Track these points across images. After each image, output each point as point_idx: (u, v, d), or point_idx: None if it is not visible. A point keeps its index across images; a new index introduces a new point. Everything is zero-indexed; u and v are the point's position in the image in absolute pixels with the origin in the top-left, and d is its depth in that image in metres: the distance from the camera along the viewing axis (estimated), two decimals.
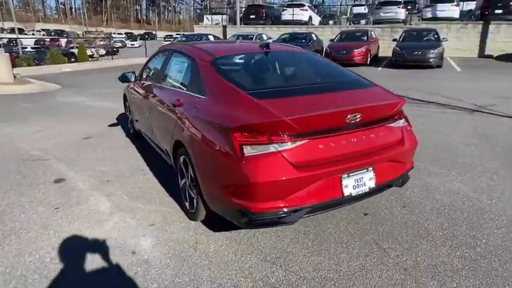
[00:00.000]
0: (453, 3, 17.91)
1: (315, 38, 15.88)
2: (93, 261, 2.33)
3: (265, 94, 2.30)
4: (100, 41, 29.63)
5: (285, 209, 2.09)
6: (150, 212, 2.98)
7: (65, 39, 32.36)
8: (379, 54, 16.59)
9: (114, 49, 25.80)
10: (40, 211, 3.01)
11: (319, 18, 24.46)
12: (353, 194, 2.24)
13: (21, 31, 44.96)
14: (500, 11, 16.40)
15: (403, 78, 10.84)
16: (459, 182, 3.44)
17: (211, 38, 18.50)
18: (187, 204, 2.84)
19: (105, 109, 7.14)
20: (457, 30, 17.12)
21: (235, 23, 23.43)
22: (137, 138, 4.93)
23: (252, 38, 16.64)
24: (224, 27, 23.19)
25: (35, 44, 25.36)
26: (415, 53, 12.39)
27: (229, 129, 2.10)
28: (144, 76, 4.24)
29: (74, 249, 2.47)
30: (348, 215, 2.85)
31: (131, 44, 43.90)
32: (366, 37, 14.58)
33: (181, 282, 2.13)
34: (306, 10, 21.44)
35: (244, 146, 2.04)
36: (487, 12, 16.81)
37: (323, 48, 16.13)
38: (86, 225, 2.77)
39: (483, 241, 2.49)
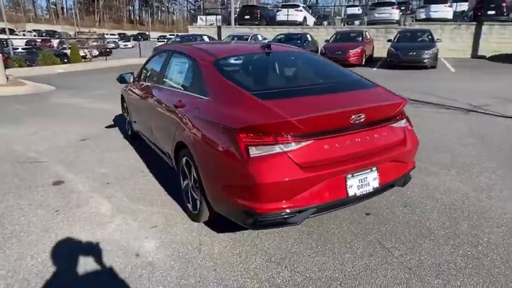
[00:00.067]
0: (446, 4, 18.11)
1: (310, 39, 15.94)
2: (96, 264, 2.31)
3: (270, 95, 2.30)
4: (93, 41, 29.39)
5: (291, 210, 2.09)
6: (152, 213, 2.96)
7: (57, 40, 32.03)
8: (374, 55, 16.70)
9: (107, 50, 25.62)
10: (40, 214, 2.98)
11: (313, 19, 24.55)
12: (357, 194, 2.25)
13: (11, 32, 44.41)
14: (492, 12, 16.65)
15: (398, 78, 10.92)
16: (458, 182, 3.48)
17: (206, 38, 18.47)
18: (189, 205, 2.83)
19: (101, 110, 7.08)
20: (451, 31, 17.33)
21: (229, 24, 23.42)
22: (135, 139, 4.90)
23: (247, 39, 16.64)
24: (219, 27, 23.17)
25: (26, 45, 25.05)
26: (410, 53, 12.51)
27: (234, 130, 2.09)
28: (142, 77, 4.22)
29: (76, 252, 2.44)
30: (350, 215, 2.86)
31: (124, 45, 43.63)
32: (360, 38, 14.68)
33: (187, 284, 2.12)
34: (301, 11, 21.52)
35: (249, 147, 2.04)
36: (479, 13, 17.04)
37: (318, 49, 16.20)
38: (87, 228, 2.75)
39: (484, 239, 2.52)
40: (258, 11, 22.22)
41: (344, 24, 23.68)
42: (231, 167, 2.15)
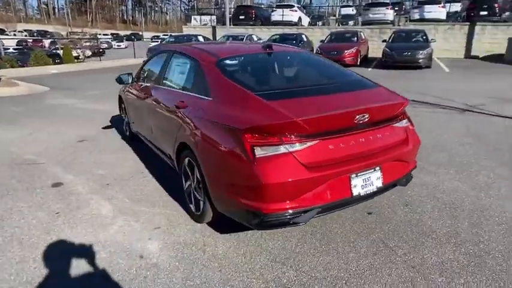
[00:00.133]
0: (440, 5, 18.31)
1: (305, 39, 15.99)
2: (99, 267, 2.29)
3: (274, 95, 2.30)
4: (85, 42, 29.09)
5: (296, 210, 2.10)
6: (153, 215, 2.95)
7: (49, 40, 31.62)
8: (369, 55, 16.82)
9: (101, 50, 25.40)
10: (40, 216, 2.94)
11: (308, 19, 24.63)
12: (361, 194, 2.27)
13: (2, 32, 43.79)
14: (485, 13, 16.86)
15: (393, 78, 11.00)
16: (457, 181, 3.51)
17: (200, 38, 18.43)
18: (192, 206, 2.82)
19: (97, 111, 7.02)
20: (444, 31, 17.52)
21: (223, 24, 23.39)
22: (133, 140, 4.87)
23: (242, 39, 16.65)
24: (213, 27, 23.14)
25: (17, 45, 24.71)
26: (405, 53, 12.61)
27: (239, 130, 2.09)
28: (141, 78, 4.19)
29: (79, 254, 2.42)
30: (352, 215, 2.88)
31: (117, 45, 43.28)
32: (355, 38, 14.77)
33: (193, 285, 2.11)
34: (296, 11, 21.57)
35: (255, 147, 2.05)
36: (472, 14, 17.26)
37: (313, 49, 16.25)
38: (89, 230, 2.73)
39: (485, 237, 2.55)
40: (253, 11, 22.23)
41: (338, 25, 23.80)
42: (236, 167, 2.15)
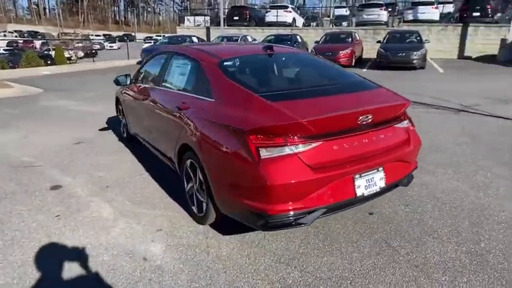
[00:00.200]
0: (433, 6, 18.52)
1: (300, 40, 16.05)
2: (103, 270, 2.27)
3: (277, 96, 2.31)
4: (77, 42, 28.80)
5: (301, 211, 2.11)
6: (155, 217, 2.93)
7: (40, 41, 31.24)
8: (363, 56, 16.93)
9: (93, 51, 25.17)
10: (40, 219, 2.91)
11: (302, 20, 24.71)
12: (365, 194, 2.28)
13: None
14: (477, 14, 17.09)
15: (388, 79, 11.08)
16: (456, 180, 3.56)
17: (195, 39, 18.41)
18: (194, 208, 2.81)
19: (92, 113, 6.97)
20: (438, 32, 17.72)
21: (217, 25, 23.36)
22: (131, 142, 4.84)
23: (237, 40, 16.65)
24: (207, 28, 23.10)
25: (7, 46, 24.42)
26: (399, 54, 12.72)
27: (244, 131, 2.09)
28: (140, 79, 4.17)
29: (81, 257, 2.40)
30: (354, 215, 2.89)
31: (110, 46, 42.91)
32: (350, 39, 14.85)
33: (198, 287, 2.11)
34: (290, 12, 21.64)
35: (260, 149, 2.05)
36: (465, 15, 17.48)
37: (308, 50, 16.31)
38: (91, 233, 2.70)
39: (486, 236, 2.58)
40: (247, 12, 22.25)
41: (332, 26, 23.93)
42: (240, 168, 2.15)
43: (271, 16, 21.53)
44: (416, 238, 2.57)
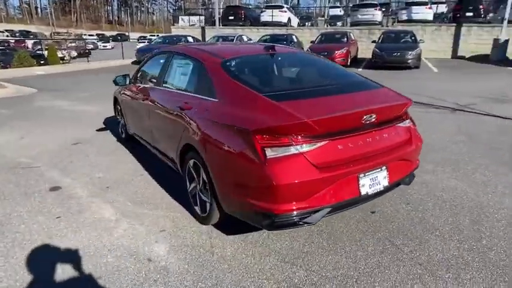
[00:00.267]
0: (427, 6, 18.69)
1: (295, 40, 16.08)
2: (108, 271, 2.26)
3: (282, 96, 2.31)
4: (70, 42, 28.47)
5: (307, 210, 2.11)
6: (157, 217, 2.92)
7: (32, 41, 30.84)
8: (358, 56, 17.02)
9: (86, 51, 24.92)
10: (41, 221, 2.88)
11: (297, 20, 24.76)
12: (369, 193, 2.30)
13: None
14: (470, 14, 17.28)
15: (383, 79, 11.15)
16: (454, 179, 3.59)
17: (190, 39, 18.36)
18: (197, 208, 2.80)
19: (88, 113, 6.91)
20: (432, 32, 17.89)
21: (212, 24, 23.32)
22: (129, 142, 4.82)
23: (232, 40, 16.63)
24: (203, 28, 23.04)
25: None
26: (394, 54, 12.82)
27: (250, 131, 2.09)
28: (139, 79, 4.15)
29: (85, 259, 2.38)
30: (356, 214, 2.91)
31: (103, 46, 42.55)
32: (345, 39, 14.91)
33: (204, 287, 2.11)
34: (285, 12, 21.67)
35: (266, 149, 2.05)
36: (458, 15, 17.67)
37: (303, 49, 16.34)
38: (93, 234, 2.68)
39: (487, 234, 2.61)
40: (242, 11, 22.23)
41: (327, 26, 24.01)
42: (246, 168, 2.15)
43: (266, 16, 21.55)
44: (418, 236, 2.60)
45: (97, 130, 5.65)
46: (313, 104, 2.27)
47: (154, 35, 48.76)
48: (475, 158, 4.15)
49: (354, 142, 2.24)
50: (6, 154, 4.52)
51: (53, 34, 50.90)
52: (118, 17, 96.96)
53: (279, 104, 2.17)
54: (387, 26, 19.27)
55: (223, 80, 2.58)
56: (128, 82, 4.28)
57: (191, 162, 2.76)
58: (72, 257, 2.40)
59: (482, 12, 17.53)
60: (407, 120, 2.69)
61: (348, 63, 14.18)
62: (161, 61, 3.62)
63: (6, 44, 26.66)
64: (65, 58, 21.27)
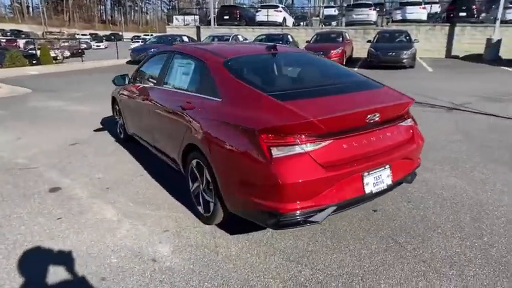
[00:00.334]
0: (421, 6, 18.85)
1: (291, 40, 16.10)
2: (112, 271, 2.24)
3: (286, 95, 2.31)
4: (63, 42, 28.13)
5: (313, 209, 2.12)
6: (160, 217, 2.91)
7: (24, 40, 30.42)
8: (353, 55, 17.09)
9: (80, 50, 24.66)
10: (42, 222, 2.85)
11: (292, 20, 24.80)
12: (373, 191, 2.31)
13: None
14: (464, 14, 17.47)
15: (379, 78, 11.10)
16: (453, 177, 3.63)
17: (185, 39, 18.29)
18: (200, 208, 2.80)
19: (85, 113, 6.86)
20: (426, 32, 18.05)
21: (206, 24, 23.26)
22: (128, 142, 4.79)
23: (228, 39, 16.60)
24: (198, 27, 22.96)
25: None
26: (390, 53, 12.90)
27: (255, 131, 2.09)
28: (138, 79, 4.12)
29: (88, 260, 2.36)
30: (358, 212, 2.93)
31: (97, 46, 42.18)
32: (341, 38, 14.97)
33: (211, 287, 2.10)
34: (280, 11, 21.69)
35: (272, 148, 2.05)
36: (452, 15, 17.85)
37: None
38: (95, 235, 2.66)
39: (488, 231, 2.65)
40: (238, 11, 22.21)
41: (322, 25, 24.09)
42: (251, 168, 2.15)
43: (261, 16, 21.55)
44: (421, 234, 2.62)
45: (94, 130, 5.60)
46: (318, 103, 2.28)
47: (148, 35, 48.50)
48: (473, 156, 4.20)
49: (358, 141, 2.26)
50: (2, 155, 4.47)
51: (45, 33, 50.31)
52: (111, 17, 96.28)
53: (284, 104, 2.17)
54: (382, 26, 19.40)
55: (227, 79, 2.57)
56: (127, 82, 4.25)
57: (194, 162, 2.76)
58: (75, 258, 2.38)
59: (475, 12, 17.73)
60: (409, 119, 2.71)
61: (344, 63, 14.21)
62: (161, 61, 3.60)
63: None
64: (58, 58, 21.02)
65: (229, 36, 16.92)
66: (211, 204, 2.62)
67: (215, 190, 2.50)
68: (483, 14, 18.51)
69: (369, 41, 14.75)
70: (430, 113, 6.43)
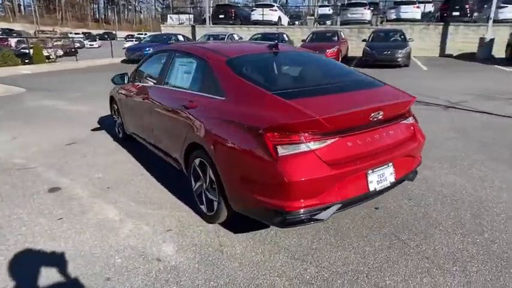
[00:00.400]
0: (415, 5, 19.00)
1: (286, 39, 16.10)
2: (116, 272, 2.23)
3: (290, 94, 2.32)
4: (56, 41, 27.78)
5: (318, 206, 2.13)
6: (163, 217, 2.90)
7: (15, 39, 30.02)
8: (348, 54, 17.16)
9: (73, 50, 24.37)
10: (43, 223, 2.83)
11: (287, 19, 24.82)
12: (377, 189, 2.33)
13: None
14: (457, 13, 17.64)
15: (375, 76, 11.29)
16: (452, 174, 3.67)
17: (180, 38, 18.21)
18: (203, 207, 2.79)
19: (81, 113, 6.79)
20: (420, 31, 18.19)
21: (201, 23, 23.17)
22: (126, 141, 4.76)
23: (223, 38, 16.57)
24: (193, 26, 22.87)
25: None
26: (385, 52, 12.98)
27: (261, 129, 2.09)
28: (138, 78, 4.10)
29: (92, 260, 2.34)
30: (361, 210, 2.94)
31: (90, 45, 41.81)
32: (336, 37, 15.01)
33: (217, 286, 2.10)
34: (275, 10, 21.69)
35: (277, 146, 2.06)
36: (445, 14, 18.02)
37: None
38: (98, 235, 2.65)
39: (488, 227, 2.68)
40: (233, 10, 22.17)
41: (316, 25, 24.14)
42: (257, 166, 2.15)
43: (256, 15, 21.53)
44: (423, 231, 2.64)
45: (92, 130, 5.56)
46: (322, 101, 2.28)
47: (142, 34, 48.21)
48: (470, 154, 4.24)
49: (362, 139, 2.27)
50: None
51: (37, 32, 49.67)
52: (105, 15, 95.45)
53: (289, 102, 2.18)
54: (376, 25, 19.49)
55: (230, 78, 2.57)
56: (126, 81, 4.22)
57: (197, 161, 2.75)
58: (78, 258, 2.36)
59: (468, 11, 17.91)
60: (411, 117, 2.74)
61: (339, 62, 14.28)
62: (162, 60, 3.58)
63: None
64: (51, 57, 20.76)
65: (225, 35, 16.89)
66: (215, 203, 2.61)
67: (219, 189, 2.50)
68: (476, 14, 18.70)
69: (364, 40, 14.82)
70: (427, 111, 6.48)
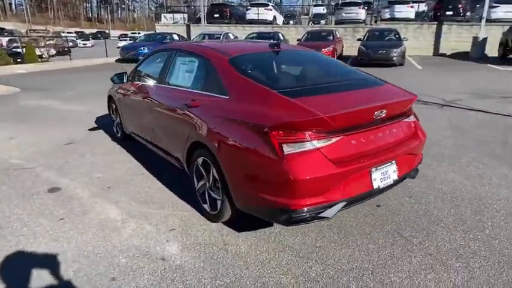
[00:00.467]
0: (409, 5, 19.14)
1: (282, 38, 16.09)
2: (121, 272, 2.22)
3: (295, 92, 2.33)
4: (48, 40, 27.46)
5: (323, 204, 2.14)
6: (165, 216, 2.89)
7: (6, 38, 29.59)
8: (343, 53, 17.23)
9: (66, 49, 24.10)
10: (44, 223, 2.80)
11: (282, 18, 24.84)
12: (381, 187, 2.35)
13: None
14: (450, 13, 17.81)
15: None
16: (451, 172, 3.71)
17: (175, 37, 18.13)
18: (206, 206, 2.79)
19: (77, 112, 6.74)
20: (414, 30, 18.32)
21: (195, 22, 23.08)
22: (125, 141, 4.73)
23: (219, 37, 16.53)
24: (188, 26, 22.76)
25: None
26: (380, 51, 13.05)
27: (266, 128, 2.10)
28: (137, 77, 4.07)
29: (96, 260, 2.33)
30: (363, 208, 2.96)
31: (83, 44, 41.50)
32: (331, 37, 15.07)
33: (224, 285, 2.10)
34: (271, 10, 21.69)
35: (283, 145, 2.06)
36: (439, 14, 18.18)
37: None
38: (101, 235, 2.63)
39: (489, 224, 2.72)
40: (228, 9, 22.11)
41: (311, 24, 24.19)
42: (262, 164, 2.15)
43: (252, 14, 21.51)
44: (425, 228, 2.67)
45: (89, 129, 5.52)
46: (326, 100, 2.29)
47: (135, 33, 47.92)
48: (468, 151, 4.29)
49: (366, 137, 2.29)
50: None
51: (29, 31, 49.05)
52: (98, 15, 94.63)
53: (294, 101, 2.18)
54: (371, 24, 19.59)
55: (234, 77, 2.57)
56: (125, 80, 4.19)
57: (200, 160, 2.74)
58: (81, 258, 2.35)
59: (461, 11, 18.09)
60: (412, 116, 2.76)
61: None
62: (162, 59, 3.56)
63: None
64: (44, 56, 20.52)
65: (220, 34, 16.85)
66: (219, 202, 2.61)
67: (223, 188, 2.50)
68: (469, 13, 18.88)
69: (359, 39, 14.90)
70: (423, 109, 6.52)
